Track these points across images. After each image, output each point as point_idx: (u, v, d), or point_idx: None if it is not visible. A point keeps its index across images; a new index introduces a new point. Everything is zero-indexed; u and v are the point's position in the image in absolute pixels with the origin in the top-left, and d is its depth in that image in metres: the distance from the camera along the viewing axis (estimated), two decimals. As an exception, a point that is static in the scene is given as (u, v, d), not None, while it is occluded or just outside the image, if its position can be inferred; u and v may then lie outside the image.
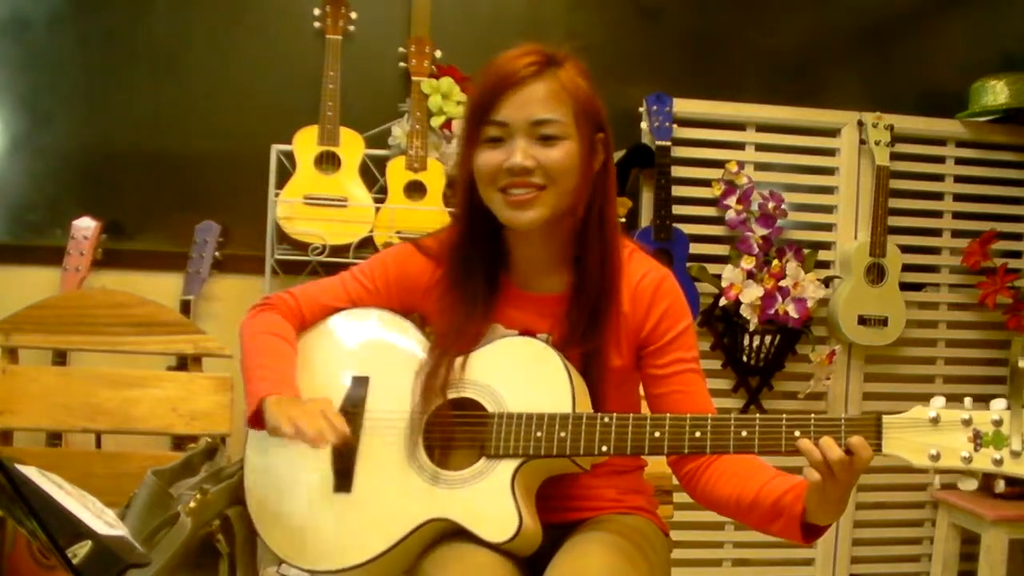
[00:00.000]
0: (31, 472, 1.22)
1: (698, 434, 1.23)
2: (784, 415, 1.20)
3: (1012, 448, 1.11)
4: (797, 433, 1.18)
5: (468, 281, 1.39)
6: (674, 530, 1.59)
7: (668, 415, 1.26)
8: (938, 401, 1.16)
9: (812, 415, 1.19)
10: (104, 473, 1.96)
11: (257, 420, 1.31)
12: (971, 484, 1.14)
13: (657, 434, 1.25)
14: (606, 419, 1.27)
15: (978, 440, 1.12)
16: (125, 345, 2.08)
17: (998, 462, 1.11)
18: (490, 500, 1.27)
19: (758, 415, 1.22)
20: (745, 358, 2.80)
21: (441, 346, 1.37)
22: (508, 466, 1.28)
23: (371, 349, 1.43)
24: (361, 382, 1.40)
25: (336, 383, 1.39)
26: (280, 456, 1.40)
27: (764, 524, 1.26)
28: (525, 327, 1.39)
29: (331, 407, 1.30)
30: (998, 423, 1.12)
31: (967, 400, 1.15)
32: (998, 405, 1.13)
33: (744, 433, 1.21)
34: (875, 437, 1.15)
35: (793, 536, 1.23)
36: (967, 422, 1.13)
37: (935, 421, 1.14)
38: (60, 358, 2.28)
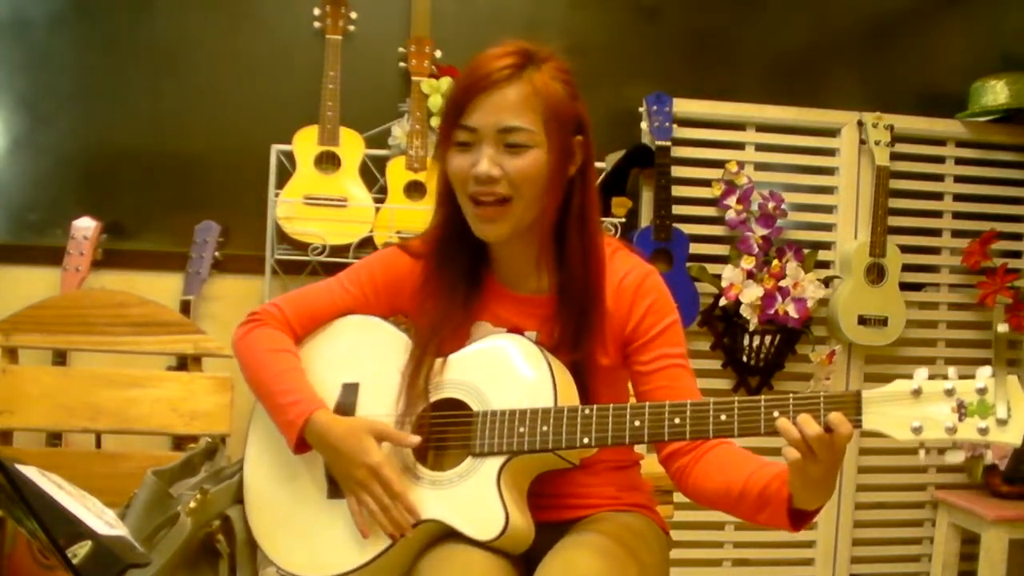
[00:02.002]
0: (31, 472, 1.22)
1: (677, 420, 1.22)
2: (763, 397, 1.19)
3: (998, 416, 1.07)
4: (776, 413, 1.16)
5: (448, 278, 1.39)
6: (674, 530, 1.59)
7: (647, 403, 1.26)
8: (921, 373, 1.13)
9: (791, 394, 1.17)
10: (104, 473, 1.96)
11: (302, 447, 1.34)
12: (958, 456, 1.12)
13: (637, 423, 1.24)
14: (586, 411, 1.27)
15: (962, 410, 1.09)
16: (125, 345, 2.08)
17: (984, 431, 1.07)
18: (476, 499, 1.27)
19: (736, 398, 1.21)
20: (745, 358, 2.79)
21: (420, 345, 1.37)
22: (493, 464, 1.28)
23: (360, 355, 1.43)
24: (351, 388, 1.40)
25: (327, 391, 1.40)
26: (276, 464, 1.41)
27: (753, 514, 1.25)
28: (512, 326, 1.39)
29: (374, 450, 1.30)
30: (983, 391, 1.08)
31: (951, 370, 1.12)
32: (983, 373, 1.10)
33: (723, 417, 1.20)
34: (855, 413, 1.13)
35: (781, 523, 1.22)
36: (950, 392, 1.10)
37: (917, 393, 1.11)
38: (60, 358, 2.28)
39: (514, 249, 1.38)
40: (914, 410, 1.11)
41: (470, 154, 1.31)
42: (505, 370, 1.33)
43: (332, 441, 1.30)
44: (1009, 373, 1.09)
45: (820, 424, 1.12)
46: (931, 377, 1.13)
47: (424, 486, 1.31)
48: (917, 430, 1.10)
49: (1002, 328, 1.11)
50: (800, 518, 1.22)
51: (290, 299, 1.47)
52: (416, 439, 1.31)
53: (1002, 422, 1.07)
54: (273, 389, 1.36)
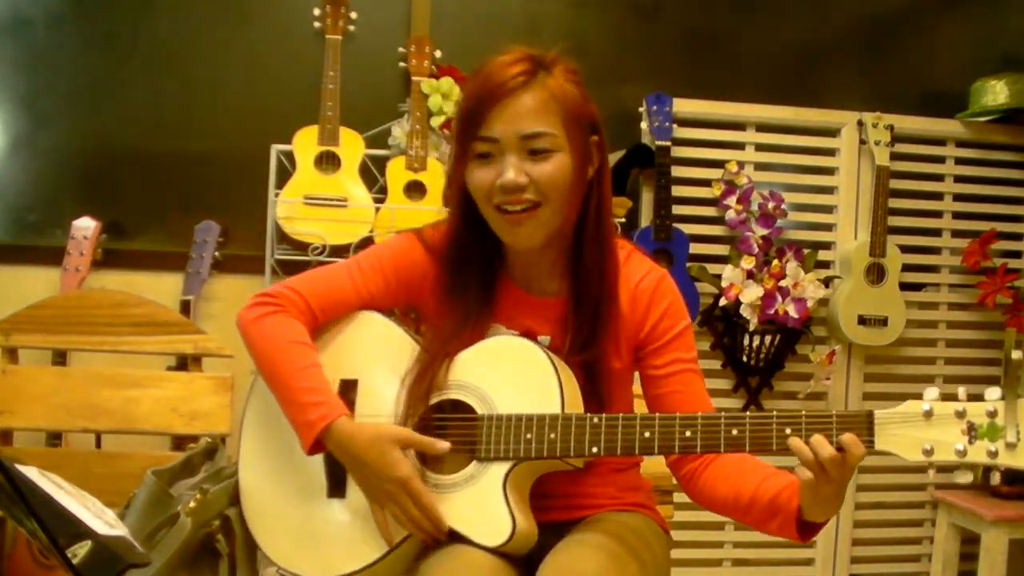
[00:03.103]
0: (31, 472, 1.22)
1: (688, 433, 1.22)
2: (775, 412, 1.19)
3: (1007, 439, 1.09)
4: (788, 431, 1.16)
5: (463, 287, 1.37)
6: (674, 530, 1.59)
7: (658, 414, 1.25)
8: (931, 393, 1.14)
9: (803, 412, 1.17)
10: (104, 473, 1.96)
11: (317, 448, 1.30)
12: (967, 477, 1.13)
13: (647, 434, 1.24)
14: (595, 420, 1.26)
15: (972, 432, 1.10)
16: (125, 345, 2.08)
17: (993, 454, 1.09)
18: (483, 505, 1.27)
19: (749, 413, 1.21)
20: (745, 358, 2.79)
21: (432, 350, 1.36)
22: (499, 469, 1.28)
23: (362, 353, 1.41)
24: (350, 385, 1.38)
25: None
26: (273, 462, 1.40)
27: (762, 523, 1.26)
28: (527, 329, 1.38)
29: (402, 462, 1.27)
30: (992, 414, 1.10)
31: (961, 390, 1.13)
32: (992, 395, 1.11)
33: (735, 432, 1.20)
34: (867, 434, 1.14)
35: (790, 534, 1.22)
36: (961, 414, 1.11)
37: (928, 415, 1.13)
38: (60, 358, 2.28)
39: (534, 252, 1.37)
40: (925, 432, 1.13)
41: (492, 165, 1.28)
42: (510, 373, 1.32)
43: (356, 451, 1.28)
44: (1020, 396, 1.10)
45: (832, 444, 1.13)
46: (942, 397, 1.14)
47: (428, 489, 1.30)
48: (928, 452, 1.12)
49: (1016, 355, 1.12)
50: (809, 529, 1.22)
51: (308, 284, 1.41)
52: (446, 445, 1.29)
53: (1011, 446, 1.09)
54: (293, 385, 1.32)
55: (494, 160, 1.28)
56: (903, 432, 1.13)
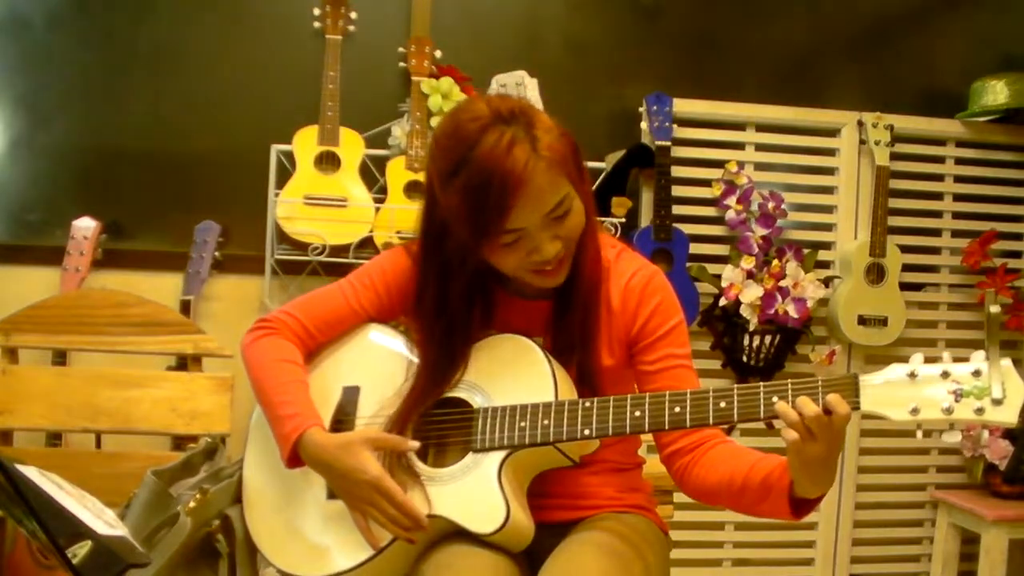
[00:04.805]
0: (31, 472, 1.22)
1: (677, 409, 1.23)
2: (762, 384, 1.19)
3: (993, 396, 1.09)
4: (775, 399, 1.17)
5: (456, 310, 1.36)
6: (674, 530, 1.59)
7: (648, 394, 1.26)
8: (917, 357, 1.15)
9: (789, 380, 1.18)
10: (104, 473, 1.96)
11: (294, 461, 1.32)
12: (956, 436, 1.14)
13: (637, 413, 1.25)
14: (587, 403, 1.27)
15: (958, 391, 1.11)
16: (125, 345, 2.08)
17: (980, 411, 1.09)
18: (478, 492, 1.28)
19: (736, 386, 1.22)
20: (745, 358, 2.79)
21: (429, 361, 1.37)
22: (495, 458, 1.29)
23: (361, 359, 1.43)
24: (352, 391, 1.41)
25: (329, 394, 1.40)
26: (276, 464, 1.40)
27: (756, 505, 1.26)
28: (521, 332, 1.38)
29: (371, 463, 1.27)
30: (977, 373, 1.11)
31: (945, 354, 1.14)
32: (977, 356, 1.12)
33: (723, 404, 1.21)
34: (853, 395, 1.14)
35: (783, 511, 1.22)
36: (946, 374, 1.12)
37: (913, 376, 1.13)
38: (60, 358, 2.28)
39: None
40: (911, 392, 1.13)
41: (521, 244, 1.27)
42: (506, 368, 1.34)
43: (327, 460, 1.28)
44: (1003, 357, 1.11)
45: (818, 406, 1.13)
46: (926, 361, 1.15)
47: (425, 483, 1.31)
48: (914, 411, 1.12)
49: (994, 309, 1.13)
50: (802, 507, 1.22)
51: (303, 306, 1.44)
52: (415, 444, 1.31)
53: (997, 402, 1.09)
54: (273, 399, 1.35)
55: (521, 241, 1.27)
56: (889, 393, 1.14)
